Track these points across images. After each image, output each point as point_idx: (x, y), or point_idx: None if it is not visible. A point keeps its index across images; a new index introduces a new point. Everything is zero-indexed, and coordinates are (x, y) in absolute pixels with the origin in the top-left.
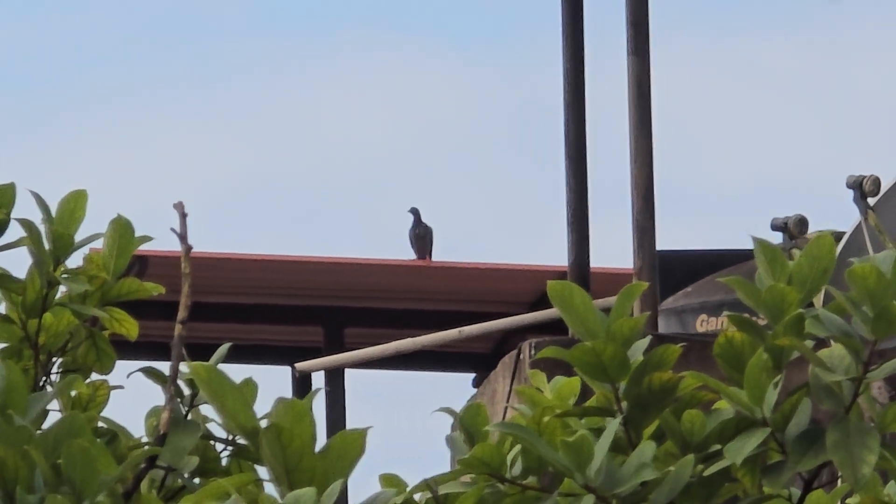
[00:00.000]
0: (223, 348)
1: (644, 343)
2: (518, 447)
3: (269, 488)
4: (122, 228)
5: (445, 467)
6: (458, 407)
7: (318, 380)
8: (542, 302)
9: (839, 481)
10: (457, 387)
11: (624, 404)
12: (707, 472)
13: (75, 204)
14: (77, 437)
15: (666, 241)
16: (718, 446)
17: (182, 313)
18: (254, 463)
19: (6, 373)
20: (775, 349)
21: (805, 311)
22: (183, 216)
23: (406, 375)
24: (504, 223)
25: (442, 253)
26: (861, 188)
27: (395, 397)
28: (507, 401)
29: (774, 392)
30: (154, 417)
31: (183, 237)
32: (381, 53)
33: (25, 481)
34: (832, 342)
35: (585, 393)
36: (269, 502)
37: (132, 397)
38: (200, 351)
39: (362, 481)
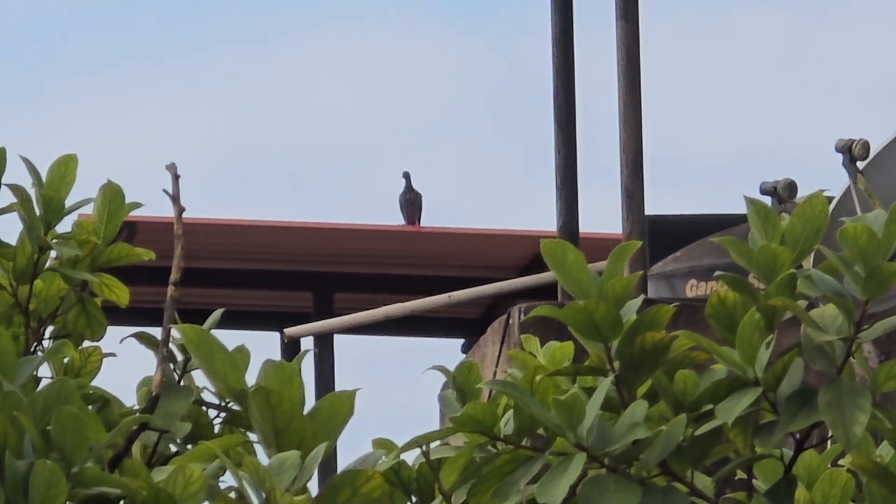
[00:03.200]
0: (216, 314)
1: (637, 303)
2: (510, 410)
3: (260, 451)
4: (112, 194)
5: (434, 429)
6: None
7: (308, 345)
8: (532, 267)
9: (829, 443)
10: (446, 352)
11: (616, 364)
12: (699, 432)
13: (66, 168)
14: (66, 403)
15: (655, 206)
16: (710, 406)
17: (175, 275)
18: (246, 430)
19: None
20: (767, 309)
21: (797, 272)
22: (175, 177)
23: (395, 341)
24: (491, 189)
25: (430, 219)
26: (850, 152)
27: (385, 363)
28: (497, 365)
29: (766, 352)
30: (146, 386)
31: (175, 199)
32: (368, 21)
33: (14, 447)
34: (820, 303)
35: (578, 359)
36: (253, 464)
37: (124, 364)
38: (189, 316)
39: (352, 445)
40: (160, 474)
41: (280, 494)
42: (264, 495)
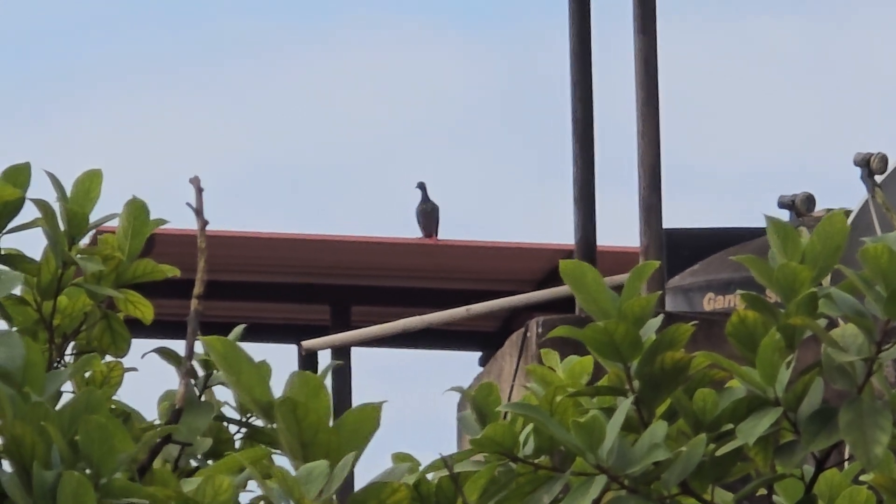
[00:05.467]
0: (237, 330)
1: (656, 322)
2: (530, 427)
3: (281, 464)
4: (137, 210)
5: (452, 445)
6: (465, 385)
7: (325, 358)
8: (549, 280)
9: (846, 464)
10: (463, 365)
11: (636, 383)
12: (719, 452)
13: (90, 183)
14: (94, 414)
15: (672, 219)
16: (731, 426)
17: (198, 289)
18: (268, 445)
19: (25, 350)
20: (788, 328)
21: (818, 290)
22: (199, 191)
23: (412, 354)
24: (508, 199)
25: (446, 227)
26: (868, 166)
27: (402, 376)
28: (514, 379)
29: (787, 371)
30: (167, 401)
31: (199, 212)
32: (384, 32)
33: (42, 458)
34: (840, 321)
35: (598, 372)
36: (282, 474)
37: (145, 379)
38: (205, 329)
39: (368, 457)
40: (188, 485)
41: (310, 503)
42: None
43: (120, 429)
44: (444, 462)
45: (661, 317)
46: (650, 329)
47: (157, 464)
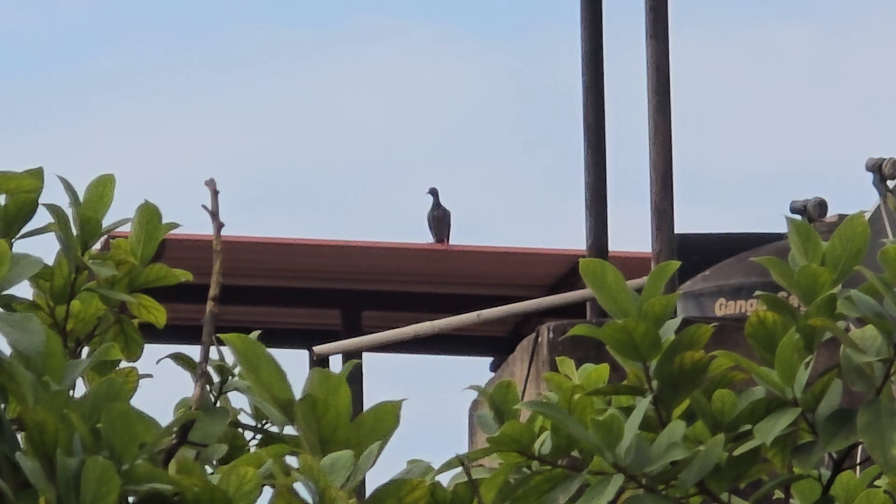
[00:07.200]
0: (253, 335)
1: (676, 322)
2: (547, 432)
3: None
4: (149, 214)
5: (463, 450)
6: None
7: (336, 363)
8: (561, 285)
9: (858, 469)
10: (474, 370)
11: (654, 383)
12: (737, 452)
13: (103, 188)
14: (115, 402)
15: (680, 223)
16: (749, 426)
17: (213, 291)
18: None
19: (45, 335)
20: (807, 330)
21: (837, 292)
22: (214, 193)
23: (424, 359)
24: (519, 207)
25: (457, 234)
26: (880, 171)
27: (413, 381)
28: (526, 384)
29: (805, 372)
30: (183, 408)
31: (214, 214)
32: (395, 40)
33: (65, 445)
34: (851, 325)
35: (613, 381)
36: (307, 462)
37: (160, 386)
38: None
39: (379, 462)
40: (212, 478)
41: (335, 491)
42: (318, 497)
43: (142, 417)
44: (460, 461)
45: (680, 317)
46: (669, 329)
47: (171, 470)
